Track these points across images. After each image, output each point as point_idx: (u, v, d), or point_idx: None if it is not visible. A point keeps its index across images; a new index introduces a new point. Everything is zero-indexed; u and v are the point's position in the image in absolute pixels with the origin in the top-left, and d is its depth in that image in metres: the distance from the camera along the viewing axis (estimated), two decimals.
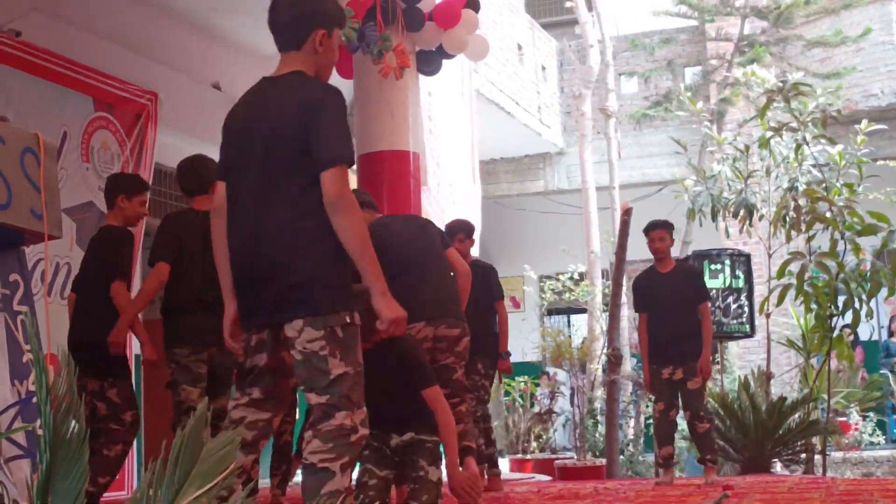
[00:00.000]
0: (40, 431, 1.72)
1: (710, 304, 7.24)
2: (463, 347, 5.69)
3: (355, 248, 3.18)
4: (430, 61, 8.34)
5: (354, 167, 9.04)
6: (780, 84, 9.09)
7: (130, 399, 5.30)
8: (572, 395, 13.49)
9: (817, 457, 9.26)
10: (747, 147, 9.78)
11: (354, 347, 3.22)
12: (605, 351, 11.72)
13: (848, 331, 10.05)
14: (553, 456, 11.54)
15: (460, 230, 7.21)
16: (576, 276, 14.61)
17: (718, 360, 12.70)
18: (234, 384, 4.94)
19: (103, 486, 5.14)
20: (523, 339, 13.13)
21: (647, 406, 13.14)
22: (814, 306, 8.83)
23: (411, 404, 4.48)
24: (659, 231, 7.05)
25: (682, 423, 12.43)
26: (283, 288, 3.19)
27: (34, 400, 2.56)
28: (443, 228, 7.29)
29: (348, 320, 3.21)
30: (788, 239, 9.16)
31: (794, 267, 8.72)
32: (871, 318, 10.32)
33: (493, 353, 7.15)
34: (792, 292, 8.77)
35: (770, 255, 9.99)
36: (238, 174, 3.36)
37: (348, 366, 3.17)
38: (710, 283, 10.04)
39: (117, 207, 5.34)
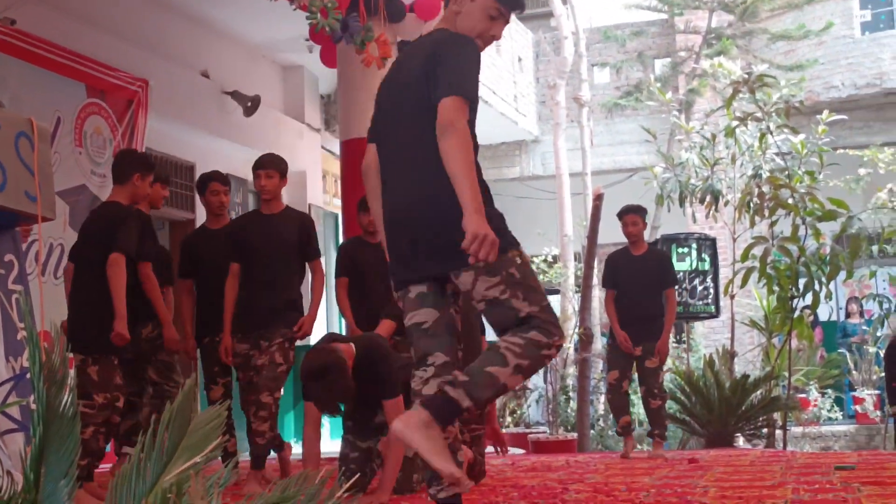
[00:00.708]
0: (34, 406, 1.72)
1: (676, 290, 7.30)
2: None
3: (458, 171, 2.99)
4: None
5: (337, 151, 9.04)
6: (746, 76, 9.13)
7: (109, 381, 5.03)
8: (545, 372, 13.52)
9: (778, 431, 9.34)
10: (714, 136, 9.83)
11: (534, 283, 3.10)
12: (576, 330, 11.76)
13: (808, 312, 10.10)
14: (527, 430, 11.58)
15: None
16: (549, 259, 14.64)
17: (685, 339, 12.78)
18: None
19: (84, 468, 4.89)
20: None
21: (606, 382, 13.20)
22: (776, 288, 8.90)
23: None
24: (632, 216, 7.08)
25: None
26: (453, 238, 2.98)
27: (28, 376, 2.56)
28: None
29: (518, 260, 3.08)
30: (752, 224, 9.22)
31: (758, 251, 8.78)
32: (830, 299, 10.39)
33: None
34: (755, 275, 8.84)
35: (735, 240, 10.06)
36: (383, 134, 3.32)
37: (532, 305, 3.03)
38: (678, 266, 10.11)
39: (130, 184, 5.14)
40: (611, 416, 13.09)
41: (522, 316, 3.01)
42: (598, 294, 13.03)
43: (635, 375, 7.40)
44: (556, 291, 14.94)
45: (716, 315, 10.93)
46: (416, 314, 3.15)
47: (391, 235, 3.22)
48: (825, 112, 10.94)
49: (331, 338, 5.04)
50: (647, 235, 12.29)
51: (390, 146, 3.27)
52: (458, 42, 3.14)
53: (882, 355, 13.65)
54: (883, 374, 13.30)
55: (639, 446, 12.37)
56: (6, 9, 6.49)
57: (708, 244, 10.70)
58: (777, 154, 9.38)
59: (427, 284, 3.14)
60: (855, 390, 13.88)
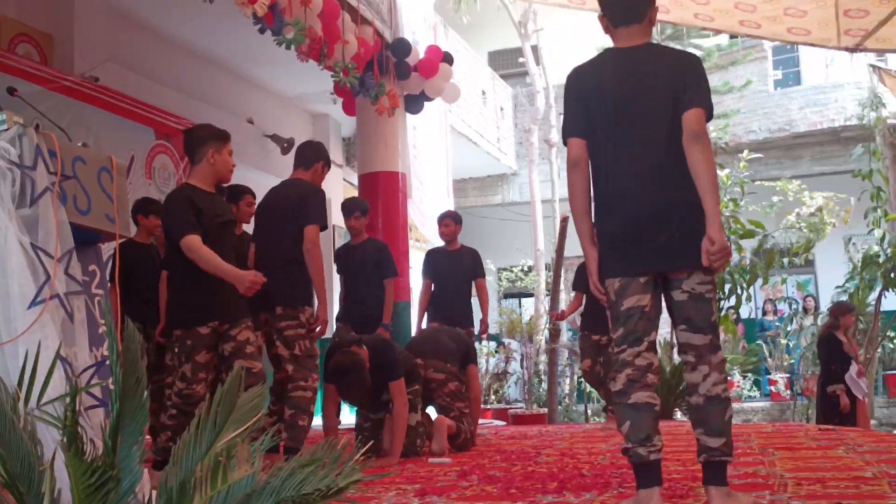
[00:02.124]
0: (111, 386, 1.72)
1: None
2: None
3: (708, 179, 2.77)
4: (414, 103, 8.35)
5: (356, 183, 9.04)
6: None
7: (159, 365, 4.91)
8: (522, 360, 13.50)
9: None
10: None
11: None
12: (547, 326, 11.76)
13: (732, 311, 10.11)
14: (507, 406, 11.57)
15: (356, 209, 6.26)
16: (525, 269, 14.65)
17: None
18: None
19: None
20: None
21: (579, 368, 13.19)
22: None
23: None
24: None
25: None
26: (685, 238, 2.79)
27: (107, 363, 2.55)
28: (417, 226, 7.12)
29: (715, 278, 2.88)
30: None
31: None
32: (750, 301, 10.37)
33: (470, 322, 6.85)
34: None
35: None
36: (616, 133, 2.90)
37: (715, 314, 2.88)
38: None
39: (206, 162, 4.20)
40: (575, 394, 13.11)
41: (712, 321, 2.85)
42: (564, 297, 13.02)
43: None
44: (531, 294, 14.95)
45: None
46: (641, 298, 2.87)
47: (633, 226, 2.86)
48: (745, 151, 10.97)
49: (349, 340, 5.03)
50: None
51: (622, 144, 2.89)
52: (702, 67, 2.94)
53: (791, 346, 13.69)
54: (793, 361, 13.34)
55: (596, 419, 12.36)
56: (91, 69, 6.50)
57: None
58: None
59: (652, 274, 2.88)
60: (770, 374, 13.89)
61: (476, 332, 7.14)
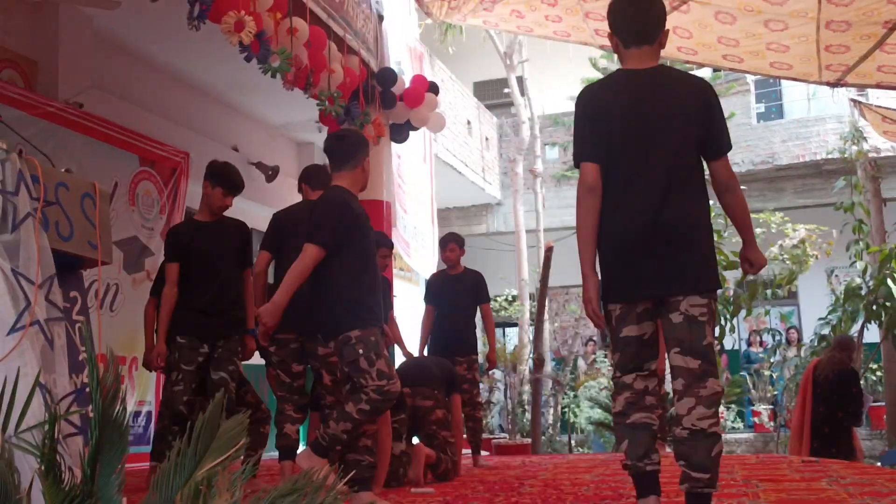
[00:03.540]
0: (91, 414, 1.70)
1: None
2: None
3: (746, 220, 2.94)
4: (400, 132, 8.38)
5: None
6: None
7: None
8: (506, 390, 13.49)
9: None
10: None
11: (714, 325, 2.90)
12: (531, 356, 11.74)
13: (716, 342, 10.13)
14: (491, 436, 11.52)
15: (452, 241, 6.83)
16: (510, 298, 14.66)
17: None
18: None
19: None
20: None
21: (564, 398, 13.17)
22: None
23: None
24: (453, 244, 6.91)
25: (588, 412, 12.44)
26: (686, 263, 2.81)
27: (87, 390, 2.53)
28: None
29: (716, 301, 2.92)
30: None
31: None
32: (734, 332, 10.39)
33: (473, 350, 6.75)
34: None
35: None
36: (629, 156, 2.88)
37: (713, 338, 2.88)
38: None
39: (360, 170, 4.16)
40: (558, 424, 13.09)
41: (705, 346, 2.83)
42: (548, 327, 13.02)
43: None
44: (515, 324, 14.94)
45: None
46: (641, 327, 2.88)
47: (639, 252, 2.85)
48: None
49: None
50: None
51: (634, 169, 2.88)
52: (716, 95, 2.98)
53: (775, 377, 13.70)
54: (776, 393, 13.36)
55: (581, 449, 12.31)
56: (75, 95, 6.50)
57: None
58: None
59: (651, 301, 2.88)
60: (753, 405, 13.90)
61: (480, 361, 7.06)
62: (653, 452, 2.89)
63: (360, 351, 3.85)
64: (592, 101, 3.00)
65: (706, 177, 2.98)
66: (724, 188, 2.92)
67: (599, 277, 2.94)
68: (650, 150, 2.87)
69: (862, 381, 11.85)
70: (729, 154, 2.98)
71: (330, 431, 3.80)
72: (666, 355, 2.92)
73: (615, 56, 3.13)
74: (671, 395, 2.94)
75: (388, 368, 3.87)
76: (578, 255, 2.95)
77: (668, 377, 7.21)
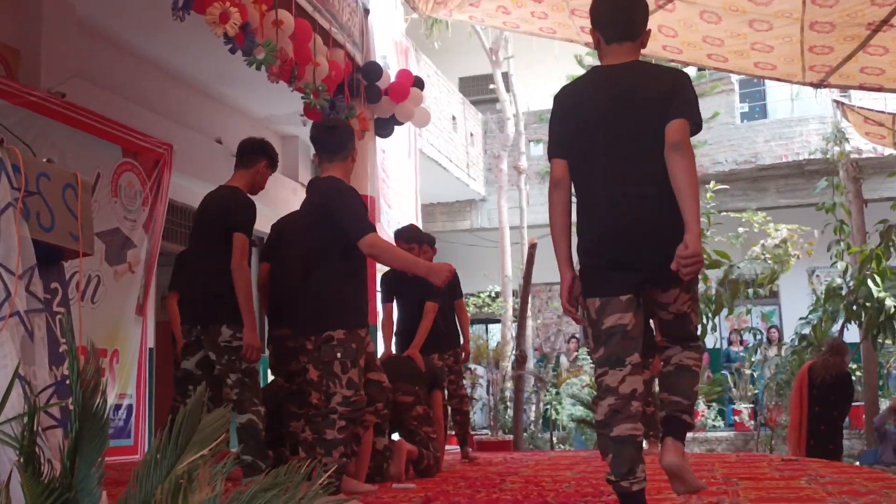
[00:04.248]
0: (71, 407, 1.69)
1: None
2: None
3: (688, 186, 2.73)
4: (384, 127, 8.37)
5: None
6: None
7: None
8: (488, 386, 13.51)
9: None
10: None
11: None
12: (513, 352, 11.76)
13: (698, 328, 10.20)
14: (473, 432, 11.53)
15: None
16: (493, 295, 14.68)
17: None
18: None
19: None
20: None
21: (546, 395, 13.21)
22: None
23: None
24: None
25: (570, 409, 12.48)
26: (664, 258, 2.74)
27: (67, 382, 2.51)
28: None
29: (697, 281, 3.02)
30: None
31: None
32: (716, 331, 10.44)
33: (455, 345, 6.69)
34: None
35: None
36: (602, 150, 2.86)
37: (697, 319, 3.01)
38: None
39: (254, 170, 4.60)
40: (540, 421, 13.12)
41: (692, 328, 2.98)
42: (531, 323, 13.05)
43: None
44: (498, 320, 14.97)
45: None
46: (623, 317, 2.83)
47: (616, 244, 2.84)
48: (712, 182, 11.10)
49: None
50: None
51: (607, 162, 2.86)
52: (689, 81, 2.96)
53: (756, 376, 13.79)
54: (757, 391, 13.45)
55: (563, 446, 12.35)
56: (57, 84, 6.45)
57: None
58: None
59: (634, 292, 2.85)
60: (734, 404, 13.99)
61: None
62: (638, 467, 2.79)
63: (338, 354, 3.83)
64: (566, 98, 3.01)
65: None
66: (672, 146, 2.77)
67: (576, 272, 2.95)
68: (623, 143, 2.85)
69: None
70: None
71: (332, 465, 3.78)
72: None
73: None
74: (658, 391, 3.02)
75: (358, 379, 3.85)
76: (553, 251, 2.97)
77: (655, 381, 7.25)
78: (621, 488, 2.81)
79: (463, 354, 6.97)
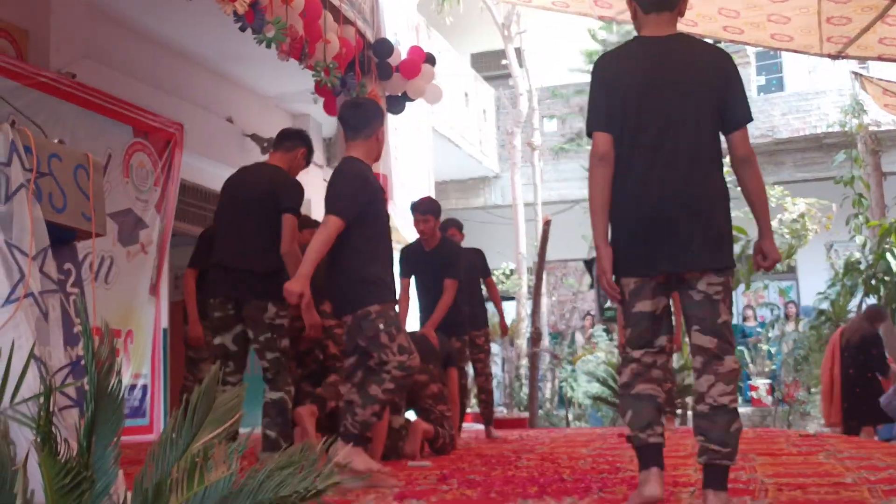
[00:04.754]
0: (87, 387, 1.70)
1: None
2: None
3: (762, 200, 2.89)
4: (396, 104, 8.34)
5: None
6: None
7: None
8: (503, 364, 13.54)
9: (689, 412, 9.37)
10: None
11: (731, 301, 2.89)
12: (528, 330, 11.77)
13: (731, 319, 10.18)
14: None
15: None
16: (507, 272, 14.68)
17: (615, 339, 12.81)
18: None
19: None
20: None
21: (561, 373, 13.23)
22: None
23: None
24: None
25: (586, 386, 12.49)
26: (703, 239, 2.77)
27: (82, 362, 2.53)
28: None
29: (732, 278, 2.90)
30: None
31: None
32: (733, 306, 10.37)
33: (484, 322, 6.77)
34: None
35: None
36: (644, 126, 2.83)
37: (729, 315, 2.86)
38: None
39: (292, 155, 4.70)
40: (555, 399, 13.15)
41: (722, 324, 2.82)
42: (546, 301, 13.05)
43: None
44: (512, 298, 14.98)
45: None
46: (652, 302, 2.86)
47: (656, 224, 2.81)
48: (727, 157, 10.95)
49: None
50: (586, 254, 12.35)
51: (652, 140, 2.83)
52: (735, 65, 2.92)
53: (773, 352, 13.76)
54: (775, 367, 13.43)
55: (578, 423, 12.39)
56: (68, 65, 6.46)
57: None
58: None
59: (662, 276, 2.85)
60: (751, 379, 13.97)
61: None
62: (657, 424, 2.86)
63: (381, 326, 3.85)
64: (608, 69, 2.97)
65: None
66: (742, 161, 2.86)
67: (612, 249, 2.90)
68: (667, 120, 2.82)
69: None
70: None
71: (359, 418, 3.79)
72: (682, 331, 2.94)
73: (614, 27, 3.13)
74: (682, 369, 2.96)
75: (408, 343, 3.89)
76: (591, 227, 2.91)
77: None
78: (639, 440, 2.86)
79: (501, 331, 7.07)
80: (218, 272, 4.53)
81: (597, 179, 2.88)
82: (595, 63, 3.03)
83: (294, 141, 4.77)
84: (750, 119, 2.88)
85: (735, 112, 2.86)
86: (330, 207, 3.88)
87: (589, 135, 2.96)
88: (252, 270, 4.41)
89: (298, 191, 4.53)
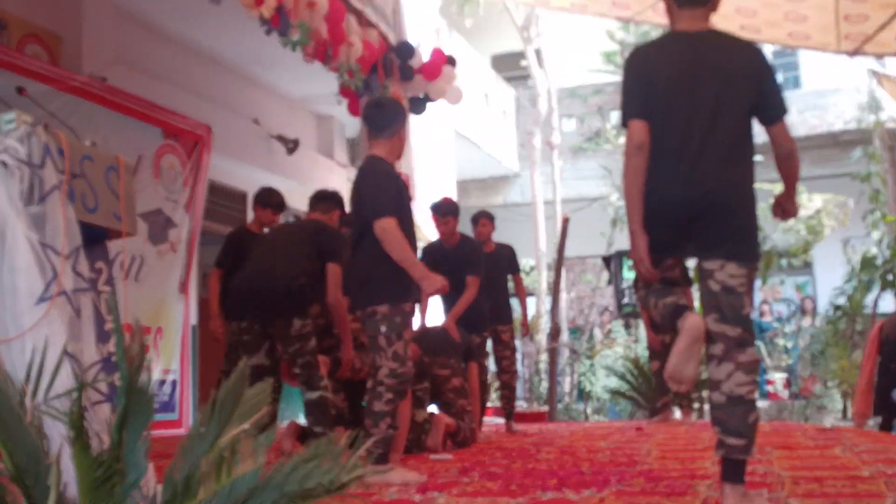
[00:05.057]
0: (118, 382, 1.72)
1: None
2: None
3: (796, 175, 2.92)
4: (418, 105, 8.35)
5: None
6: None
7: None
8: (523, 359, 13.52)
9: (706, 405, 9.31)
10: None
11: (752, 297, 2.85)
12: (548, 325, 11.74)
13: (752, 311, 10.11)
14: None
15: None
16: (527, 269, 14.65)
17: (633, 332, 12.76)
18: None
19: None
20: None
21: (580, 367, 13.20)
22: None
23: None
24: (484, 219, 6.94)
25: (604, 380, 12.46)
26: (727, 230, 2.77)
27: (113, 359, 2.55)
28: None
29: (756, 272, 2.87)
30: None
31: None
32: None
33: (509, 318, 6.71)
34: None
35: None
36: (677, 118, 2.82)
37: (751, 308, 2.80)
38: (628, 276, 10.10)
39: (328, 216, 5.03)
40: (574, 393, 13.11)
41: (744, 314, 2.77)
42: (565, 297, 13.00)
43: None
44: (532, 294, 14.95)
45: None
46: (674, 271, 2.93)
47: (681, 212, 2.80)
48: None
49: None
50: (605, 250, 12.31)
51: (684, 133, 2.82)
52: (767, 60, 2.93)
53: (790, 347, 13.66)
54: (791, 361, 13.32)
55: (597, 416, 12.34)
56: (99, 69, 6.51)
57: None
58: None
59: (684, 257, 2.95)
60: (767, 373, 13.87)
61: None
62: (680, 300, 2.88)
63: (382, 329, 3.85)
64: (642, 61, 2.96)
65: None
66: (787, 154, 2.87)
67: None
68: (700, 113, 2.81)
69: None
70: None
71: (378, 437, 3.80)
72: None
73: (632, 28, 3.11)
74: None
75: (404, 352, 3.86)
76: (626, 214, 2.90)
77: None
78: (667, 307, 2.87)
79: (523, 329, 7.03)
80: (241, 294, 4.71)
81: (634, 168, 2.84)
82: (629, 55, 3.02)
83: (329, 203, 5.10)
84: (786, 111, 2.88)
85: (772, 106, 2.87)
86: (380, 211, 3.83)
87: (624, 124, 2.93)
88: (275, 290, 4.58)
89: (343, 243, 4.62)
